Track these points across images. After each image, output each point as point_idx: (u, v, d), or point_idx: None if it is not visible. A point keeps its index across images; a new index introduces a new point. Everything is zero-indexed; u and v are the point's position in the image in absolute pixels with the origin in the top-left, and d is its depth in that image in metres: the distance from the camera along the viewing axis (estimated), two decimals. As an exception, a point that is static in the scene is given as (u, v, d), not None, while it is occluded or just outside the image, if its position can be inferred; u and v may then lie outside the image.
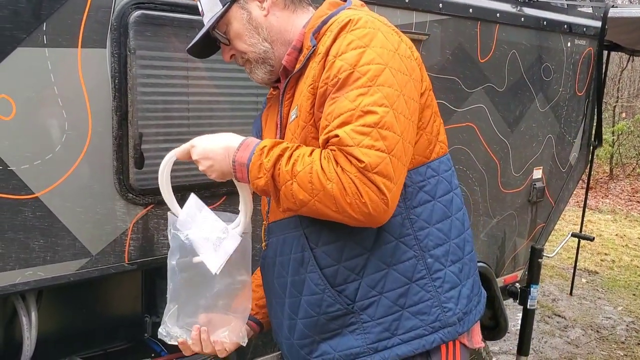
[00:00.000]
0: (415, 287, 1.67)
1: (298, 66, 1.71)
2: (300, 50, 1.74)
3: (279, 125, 1.82)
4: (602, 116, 4.53)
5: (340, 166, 1.49)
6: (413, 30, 2.95)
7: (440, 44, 3.13)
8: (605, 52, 4.37)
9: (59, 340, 2.53)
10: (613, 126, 13.22)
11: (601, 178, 13.34)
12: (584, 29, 4.03)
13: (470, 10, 3.23)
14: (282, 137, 1.78)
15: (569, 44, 3.95)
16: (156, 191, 2.21)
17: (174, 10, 2.15)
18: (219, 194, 2.41)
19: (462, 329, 1.73)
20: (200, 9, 1.85)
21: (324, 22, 1.69)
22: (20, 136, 1.89)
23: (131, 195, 2.15)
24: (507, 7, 3.46)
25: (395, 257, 1.67)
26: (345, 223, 1.55)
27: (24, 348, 2.21)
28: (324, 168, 1.51)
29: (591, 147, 4.57)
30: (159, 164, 2.22)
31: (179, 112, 2.26)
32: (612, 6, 4.15)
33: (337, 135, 1.51)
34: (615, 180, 13.33)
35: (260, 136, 1.95)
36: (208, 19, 1.81)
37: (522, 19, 3.54)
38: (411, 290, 1.67)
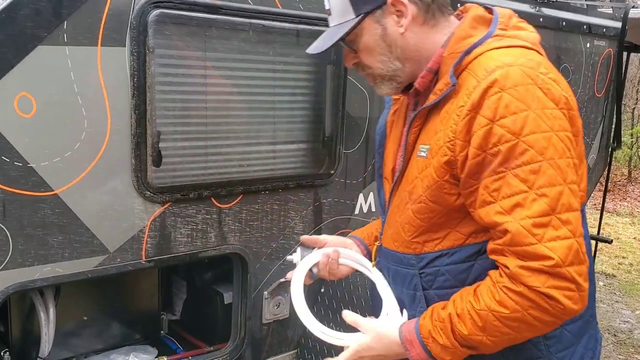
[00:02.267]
0: (526, 344, 1.51)
1: (432, 98, 1.50)
2: (435, 73, 1.54)
3: (403, 149, 1.64)
4: (621, 118, 4.48)
5: (525, 285, 1.34)
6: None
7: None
8: (625, 53, 4.32)
9: (76, 336, 2.55)
10: (632, 128, 13.07)
11: (619, 181, 13.19)
12: (604, 29, 3.98)
13: (489, 10, 3.20)
14: (406, 162, 1.61)
15: (588, 45, 3.91)
16: (173, 189, 2.24)
17: (193, 10, 2.16)
18: (235, 192, 2.42)
19: None
20: (326, 6, 1.61)
21: (466, 53, 1.46)
22: (40, 134, 1.91)
23: (149, 193, 2.17)
24: (525, 8, 3.44)
25: None
26: None
27: (42, 344, 2.24)
28: (507, 304, 1.37)
29: (610, 149, 4.52)
30: (176, 162, 2.26)
31: (197, 110, 2.27)
32: (633, 7, 4.11)
33: (507, 231, 1.35)
34: (633, 183, 13.18)
35: (383, 142, 1.79)
36: (335, 23, 1.59)
37: (541, 19, 3.51)
38: (521, 346, 1.50)
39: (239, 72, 2.36)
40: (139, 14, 2.03)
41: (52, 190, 1.97)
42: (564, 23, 3.67)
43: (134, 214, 2.16)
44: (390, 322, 1.61)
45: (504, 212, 1.37)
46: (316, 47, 1.62)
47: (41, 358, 2.26)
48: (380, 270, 1.77)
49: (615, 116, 4.39)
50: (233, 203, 2.44)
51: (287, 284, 2.60)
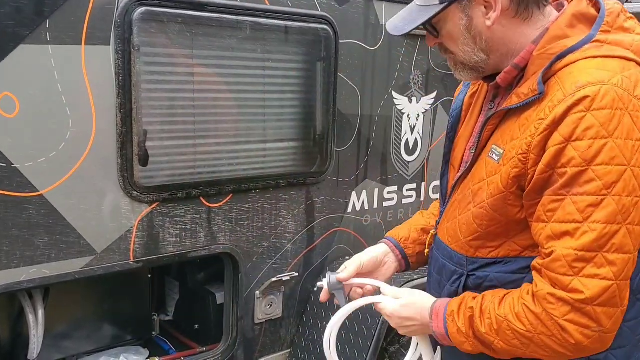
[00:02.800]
0: None
1: (515, 100, 1.43)
2: (522, 70, 1.46)
3: (475, 143, 1.57)
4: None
5: (545, 310, 1.34)
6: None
7: (450, 40, 3.09)
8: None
9: (66, 338, 2.53)
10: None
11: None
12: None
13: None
14: (476, 157, 1.55)
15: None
16: (161, 188, 2.22)
17: (179, 7, 2.14)
18: (225, 192, 2.40)
19: None
20: None
21: (559, 57, 1.38)
22: (24, 134, 1.89)
23: (136, 192, 2.15)
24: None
25: None
26: None
27: (31, 345, 2.22)
28: (522, 320, 1.38)
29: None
30: (164, 161, 2.23)
31: (184, 109, 2.24)
32: (626, 1, 4.07)
33: (550, 255, 1.34)
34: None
35: (456, 127, 1.71)
36: (420, 2, 1.50)
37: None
38: None
39: (227, 69, 2.34)
40: (124, 11, 2.01)
41: (38, 191, 1.95)
42: (558, 18, 3.65)
43: (121, 214, 2.14)
44: (424, 293, 1.65)
45: (553, 236, 1.34)
46: (397, 27, 1.52)
47: (30, 360, 2.24)
48: (430, 258, 1.75)
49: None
50: (223, 202, 2.41)
51: (279, 283, 2.60)
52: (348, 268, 1.77)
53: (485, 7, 1.42)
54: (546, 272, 1.35)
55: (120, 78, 2.04)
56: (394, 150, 2.97)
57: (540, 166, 1.33)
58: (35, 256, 1.98)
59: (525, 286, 1.41)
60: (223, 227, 2.42)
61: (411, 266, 1.91)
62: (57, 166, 1.97)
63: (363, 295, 1.77)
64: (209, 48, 2.25)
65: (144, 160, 2.11)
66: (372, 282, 1.75)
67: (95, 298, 2.63)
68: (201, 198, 2.33)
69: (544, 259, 1.35)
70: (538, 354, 1.39)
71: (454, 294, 1.59)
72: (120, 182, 2.11)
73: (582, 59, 1.35)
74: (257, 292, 2.59)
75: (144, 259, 2.22)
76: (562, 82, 1.33)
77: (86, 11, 1.94)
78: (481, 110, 1.62)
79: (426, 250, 1.79)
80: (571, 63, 1.36)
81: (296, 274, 2.71)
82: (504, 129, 1.47)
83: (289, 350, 2.80)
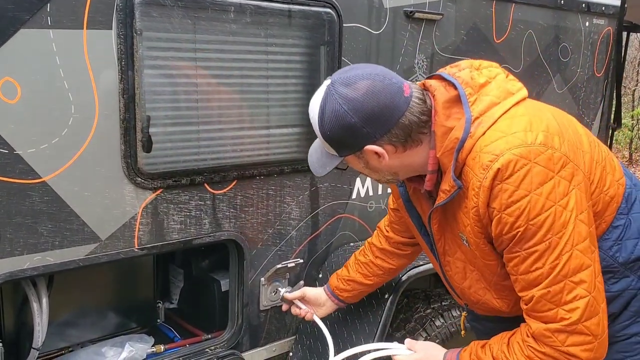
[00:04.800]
0: None
1: (442, 197, 1.64)
2: (438, 171, 1.66)
3: (430, 232, 1.84)
4: (622, 99, 4.42)
5: (547, 345, 1.54)
6: (426, 10, 2.88)
7: (455, 24, 3.05)
8: (624, 34, 4.25)
9: (70, 326, 2.53)
10: (632, 110, 12.99)
11: (620, 163, 13.16)
12: (603, 7, 3.91)
13: (485, -11, 3.15)
14: (441, 248, 1.84)
15: (587, 24, 3.84)
16: (165, 175, 2.20)
17: (181, -10, 2.11)
18: (229, 178, 2.38)
19: None
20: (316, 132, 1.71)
21: (458, 151, 1.57)
22: (25, 120, 1.87)
23: (140, 179, 2.12)
24: (523, -14, 3.37)
25: None
26: None
27: (35, 334, 2.21)
28: (530, 357, 1.57)
29: (610, 130, 4.46)
30: (167, 147, 2.21)
31: (187, 94, 2.22)
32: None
33: (530, 300, 1.56)
34: (634, 165, 13.11)
35: (419, 219, 1.91)
36: (325, 150, 1.72)
37: (539, -3, 3.45)
38: None
39: (231, 54, 2.31)
40: (125, -5, 1.98)
41: (40, 178, 1.93)
42: (562, 1, 3.61)
43: (125, 201, 2.12)
44: (437, 346, 1.94)
45: (526, 286, 1.56)
46: (315, 169, 1.77)
47: (35, 348, 2.22)
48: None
49: (615, 96, 4.33)
50: (227, 189, 2.39)
51: (284, 269, 2.60)
52: (294, 292, 2.44)
53: (376, 154, 1.63)
54: (533, 314, 1.57)
55: (123, 63, 2.01)
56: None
57: (494, 236, 1.57)
58: (39, 243, 1.96)
59: (523, 328, 1.62)
60: (227, 213, 2.40)
61: (348, 302, 2.43)
62: (60, 152, 1.95)
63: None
64: (212, 32, 2.22)
65: (148, 147, 2.09)
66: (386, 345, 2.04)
67: (99, 286, 2.62)
68: (205, 184, 2.31)
69: (527, 304, 1.57)
70: None
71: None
72: (123, 169, 2.09)
73: (475, 142, 1.55)
74: (262, 279, 2.58)
75: (149, 246, 2.20)
76: (473, 170, 1.54)
77: (87, -6, 1.91)
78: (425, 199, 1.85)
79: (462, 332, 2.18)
80: (471, 149, 1.55)
81: (301, 261, 2.69)
82: (450, 217, 1.70)
83: (294, 336, 2.79)
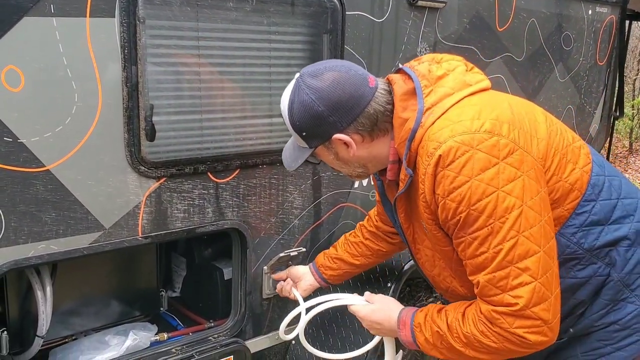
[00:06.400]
0: None
1: (401, 186, 1.71)
2: (398, 161, 1.72)
3: (397, 219, 1.89)
4: (624, 87, 4.42)
5: (497, 326, 1.57)
6: (429, -2, 2.87)
7: (458, 12, 3.04)
8: (626, 22, 4.24)
9: (74, 314, 2.53)
10: (633, 100, 12.97)
11: (620, 152, 13.13)
12: (606, -4, 3.91)
13: (488, -23, 3.13)
14: (406, 236, 1.90)
15: (590, 12, 3.83)
16: (168, 164, 2.20)
17: (184, -22, 2.10)
18: (232, 167, 2.38)
19: None
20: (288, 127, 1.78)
21: (410, 141, 1.62)
22: (29, 108, 1.86)
23: (143, 168, 2.12)
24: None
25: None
26: None
27: (40, 322, 2.22)
28: (487, 336, 1.60)
29: (612, 118, 4.46)
30: (171, 136, 2.21)
31: (190, 82, 2.21)
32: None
33: (477, 284, 1.59)
34: (635, 155, 13.11)
35: (395, 213, 1.92)
36: (297, 143, 1.81)
37: (542, -15, 3.44)
38: None
39: (233, 42, 2.30)
40: (128, -17, 1.97)
41: (44, 166, 1.93)
42: (565, -11, 3.60)
43: (129, 190, 2.12)
44: (395, 302, 1.98)
45: (474, 270, 1.59)
46: (288, 163, 1.86)
47: (39, 336, 2.23)
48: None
49: (617, 84, 4.33)
50: (230, 177, 2.39)
51: (287, 258, 2.60)
52: (279, 273, 2.56)
53: (344, 143, 1.70)
54: (481, 298, 1.60)
55: (126, 51, 2.01)
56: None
57: (442, 222, 1.61)
58: (43, 232, 1.96)
59: (478, 303, 1.64)
60: (230, 202, 2.41)
61: (331, 282, 2.45)
62: (63, 141, 1.94)
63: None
64: (215, 20, 2.21)
65: (151, 135, 2.08)
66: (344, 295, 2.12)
67: (102, 274, 2.62)
68: (208, 173, 2.31)
69: (477, 288, 1.61)
70: (510, 355, 1.63)
71: None
72: (127, 157, 2.08)
73: (425, 131, 1.59)
74: (265, 268, 2.58)
75: (153, 234, 2.21)
76: (421, 158, 1.59)
77: (90, -18, 1.90)
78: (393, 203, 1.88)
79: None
80: (421, 138, 1.60)
81: (304, 249, 2.70)
82: (416, 205, 1.72)
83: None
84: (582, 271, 1.69)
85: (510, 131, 1.54)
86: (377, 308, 1.96)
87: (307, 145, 1.75)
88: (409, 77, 1.69)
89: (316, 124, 1.67)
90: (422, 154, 1.59)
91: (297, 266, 2.53)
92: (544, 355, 1.79)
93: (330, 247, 2.48)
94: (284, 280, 2.53)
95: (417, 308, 1.84)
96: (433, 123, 1.59)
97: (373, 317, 1.96)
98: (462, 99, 1.62)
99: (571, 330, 1.75)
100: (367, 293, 2.05)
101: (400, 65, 1.78)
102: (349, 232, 2.47)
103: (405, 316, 1.84)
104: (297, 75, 1.72)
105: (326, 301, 2.12)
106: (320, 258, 2.46)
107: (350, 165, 1.79)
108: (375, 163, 1.78)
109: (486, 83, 1.71)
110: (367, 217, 2.43)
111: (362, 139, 1.70)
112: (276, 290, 2.56)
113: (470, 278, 1.62)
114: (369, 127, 1.68)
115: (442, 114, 1.60)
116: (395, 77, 1.73)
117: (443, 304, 2.05)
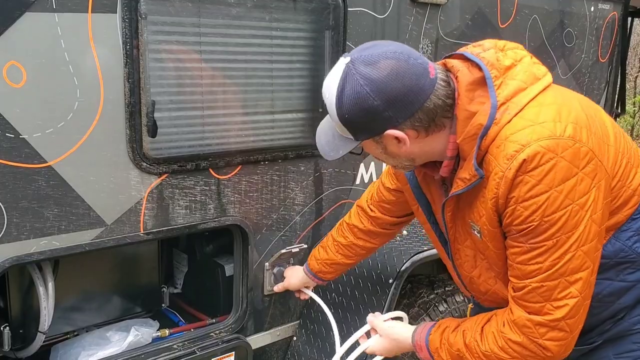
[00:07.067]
0: None
1: (460, 185, 1.55)
2: (456, 157, 1.58)
3: (443, 222, 1.77)
4: (625, 84, 4.41)
5: (525, 335, 1.54)
6: (431, -5, 2.86)
7: (460, 8, 3.04)
8: (629, 19, 4.22)
9: (76, 310, 2.54)
10: (634, 97, 12.95)
11: None
12: (608, -8, 3.90)
13: (491, -27, 3.13)
14: (452, 236, 1.78)
15: (592, 9, 3.82)
16: (170, 160, 2.20)
17: (186, -26, 2.09)
18: (234, 163, 2.37)
19: None
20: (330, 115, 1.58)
21: (481, 138, 1.48)
22: (31, 104, 1.86)
23: (145, 164, 2.12)
24: (528, -30, 3.35)
25: None
26: None
27: (42, 318, 2.22)
28: (508, 352, 1.57)
29: (614, 116, 4.45)
30: (172, 132, 2.21)
31: (192, 78, 2.21)
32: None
33: (522, 289, 1.53)
34: (636, 152, 13.10)
35: (429, 206, 1.86)
36: (338, 131, 1.59)
37: (544, -18, 3.43)
38: None
39: (235, 38, 2.30)
40: (130, -22, 1.96)
41: (46, 162, 1.93)
42: (567, -14, 3.59)
43: (131, 186, 2.12)
44: (403, 326, 1.97)
45: (519, 275, 1.53)
46: (325, 152, 1.66)
47: (41, 332, 2.24)
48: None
49: (619, 81, 4.32)
50: (232, 174, 2.39)
51: (288, 254, 2.60)
52: (278, 285, 2.58)
53: (396, 138, 1.53)
54: (520, 301, 1.54)
55: (127, 47, 2.00)
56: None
57: (505, 225, 1.52)
58: (45, 228, 1.97)
59: (501, 316, 1.60)
60: (232, 198, 2.41)
61: (327, 280, 2.47)
62: (65, 137, 1.94)
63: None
64: (216, 16, 2.21)
65: (153, 131, 2.08)
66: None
67: (104, 270, 2.63)
68: (210, 169, 2.31)
69: (517, 291, 1.54)
70: None
71: None
72: (129, 154, 2.08)
73: (500, 130, 1.46)
74: (267, 264, 2.59)
75: (154, 230, 2.21)
76: (497, 159, 1.46)
77: (92, -22, 1.90)
78: (438, 186, 1.79)
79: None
80: (495, 136, 1.47)
81: (305, 246, 2.70)
82: (464, 206, 1.64)
83: (298, 321, 2.81)
84: (632, 275, 1.63)
85: (589, 138, 1.45)
86: (389, 342, 1.95)
87: (352, 137, 1.57)
88: (473, 64, 1.54)
89: (369, 118, 1.48)
90: (496, 155, 1.46)
91: (293, 280, 2.54)
92: (574, 358, 1.75)
93: (319, 249, 2.43)
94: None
95: (428, 329, 1.79)
96: (509, 121, 1.46)
97: (390, 350, 1.97)
98: (537, 95, 1.50)
99: (607, 334, 1.71)
100: (369, 319, 2.05)
101: (460, 51, 1.60)
102: (335, 231, 2.39)
103: (420, 339, 1.79)
104: (346, 59, 1.50)
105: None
106: (315, 265, 2.42)
107: (398, 159, 1.63)
108: (424, 158, 1.63)
109: (550, 77, 1.57)
110: (353, 211, 2.35)
111: (416, 135, 1.53)
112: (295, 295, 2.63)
113: (513, 280, 1.56)
114: (426, 123, 1.51)
115: (519, 111, 1.47)
116: (457, 64, 1.55)
117: (474, 306, 2.07)
